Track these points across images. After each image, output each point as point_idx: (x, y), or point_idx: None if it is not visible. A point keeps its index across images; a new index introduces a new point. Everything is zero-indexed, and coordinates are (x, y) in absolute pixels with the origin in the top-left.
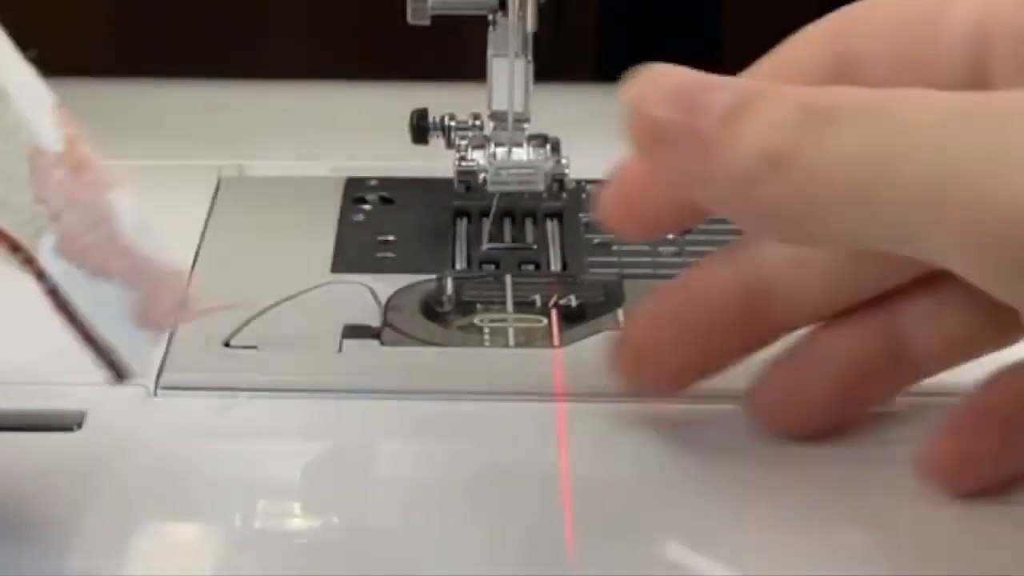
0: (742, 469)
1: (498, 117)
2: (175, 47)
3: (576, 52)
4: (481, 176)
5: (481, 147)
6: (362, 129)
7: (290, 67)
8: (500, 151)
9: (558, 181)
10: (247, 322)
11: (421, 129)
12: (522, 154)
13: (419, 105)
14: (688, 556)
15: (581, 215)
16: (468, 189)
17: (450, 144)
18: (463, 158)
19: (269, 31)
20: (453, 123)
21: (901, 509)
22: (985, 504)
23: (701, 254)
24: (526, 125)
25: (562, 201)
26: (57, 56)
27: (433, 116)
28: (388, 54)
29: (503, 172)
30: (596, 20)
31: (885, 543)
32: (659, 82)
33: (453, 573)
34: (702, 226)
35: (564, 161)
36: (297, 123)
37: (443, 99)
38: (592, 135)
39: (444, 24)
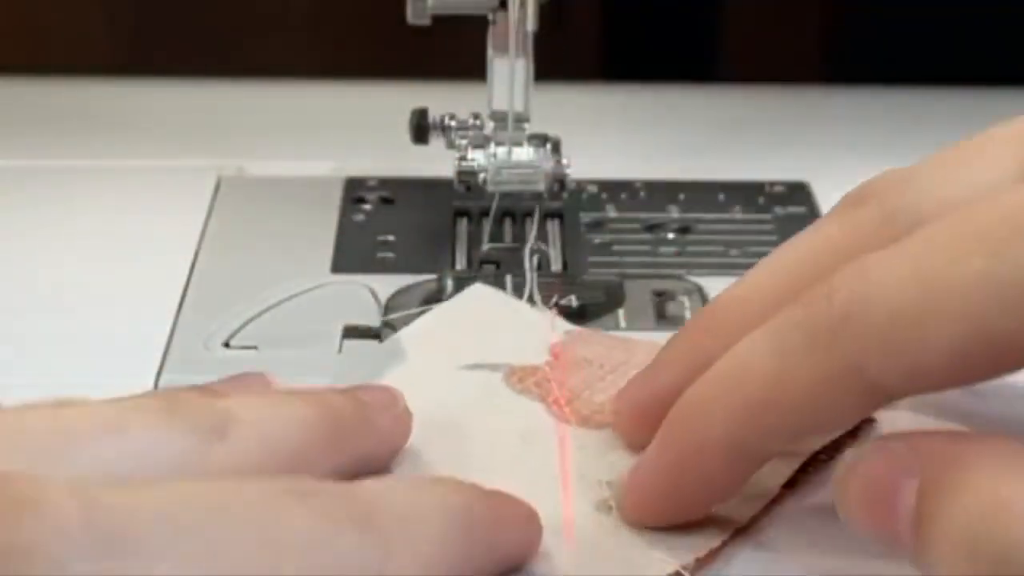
0: None
1: (498, 117)
2: (174, 47)
3: (576, 52)
4: (481, 176)
5: (481, 147)
6: (362, 129)
7: (290, 67)
8: (500, 151)
9: (559, 181)
10: (247, 322)
11: (421, 129)
12: (522, 154)
13: (419, 105)
14: None
15: (581, 215)
16: (468, 189)
17: (450, 144)
18: (463, 158)
19: (269, 31)
20: (453, 123)
21: None
22: None
23: (701, 254)
24: (526, 125)
25: (562, 201)
26: (57, 56)
27: (433, 116)
28: (388, 54)
29: (503, 172)
30: (597, 20)
31: None
32: (855, 480)
33: None
34: (702, 226)
35: (565, 161)
36: (297, 123)
37: (443, 99)
38: (592, 135)
39: (444, 24)
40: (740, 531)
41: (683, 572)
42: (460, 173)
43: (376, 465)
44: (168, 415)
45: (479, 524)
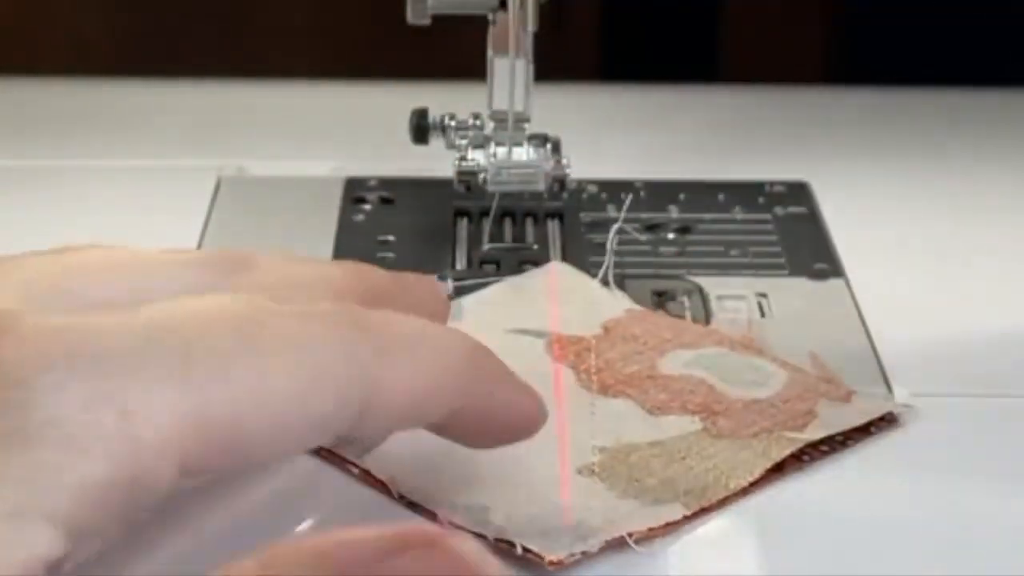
0: None
1: (498, 117)
2: (175, 47)
3: (576, 52)
4: (481, 176)
5: (481, 147)
6: (362, 129)
7: (290, 67)
8: (500, 151)
9: (559, 182)
10: None
11: (421, 129)
12: (522, 153)
13: (419, 105)
14: None
15: (581, 215)
16: (468, 189)
17: (450, 144)
18: (463, 158)
19: (269, 31)
20: (453, 123)
21: None
22: None
23: (701, 254)
24: (526, 125)
25: (562, 201)
26: (57, 56)
27: (433, 116)
28: (388, 54)
29: (503, 172)
30: (596, 20)
31: None
32: None
33: None
34: (702, 225)
35: (565, 161)
36: (297, 123)
37: (443, 99)
38: (592, 135)
39: (444, 24)
40: (706, 510)
41: (627, 539)
42: (460, 173)
43: None
44: (185, 254)
45: (481, 366)
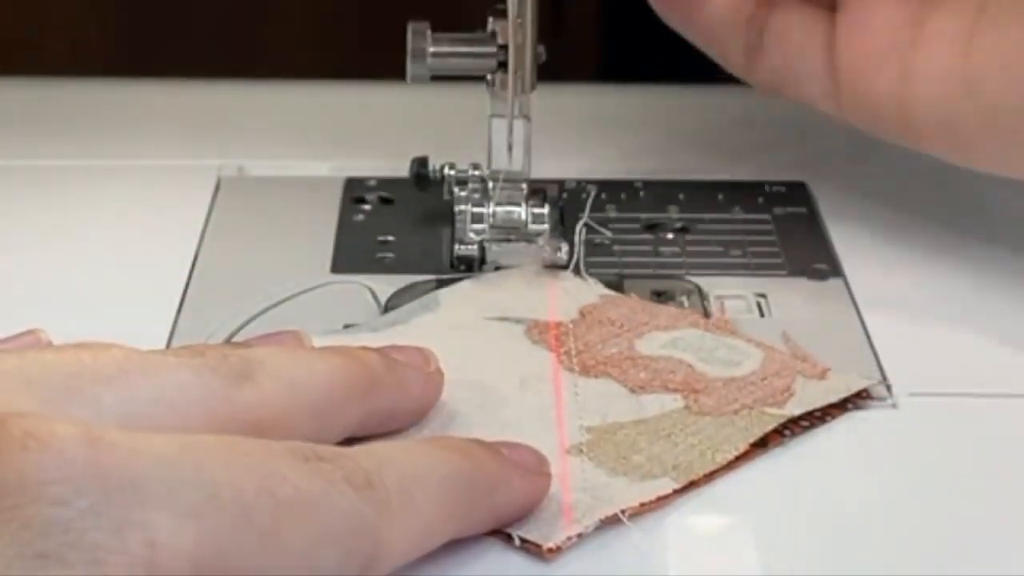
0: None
1: (497, 176)
2: (175, 47)
3: (576, 53)
4: (479, 255)
5: (481, 206)
6: (362, 129)
7: (290, 67)
8: (500, 210)
9: (557, 267)
10: (247, 322)
11: (421, 178)
12: (520, 212)
13: (418, 105)
14: None
15: (581, 215)
16: (468, 269)
17: (449, 192)
18: (461, 241)
19: (269, 31)
20: (452, 172)
21: None
22: None
23: (701, 254)
24: (523, 185)
25: (562, 202)
26: (57, 56)
27: (433, 165)
28: (388, 54)
29: (501, 256)
30: (596, 20)
31: None
32: None
33: None
34: (702, 226)
35: (563, 247)
36: (297, 123)
37: (443, 100)
38: (592, 135)
39: (444, 24)
40: (695, 484)
41: (621, 516)
42: (458, 258)
43: (405, 421)
44: (193, 358)
45: (480, 485)
